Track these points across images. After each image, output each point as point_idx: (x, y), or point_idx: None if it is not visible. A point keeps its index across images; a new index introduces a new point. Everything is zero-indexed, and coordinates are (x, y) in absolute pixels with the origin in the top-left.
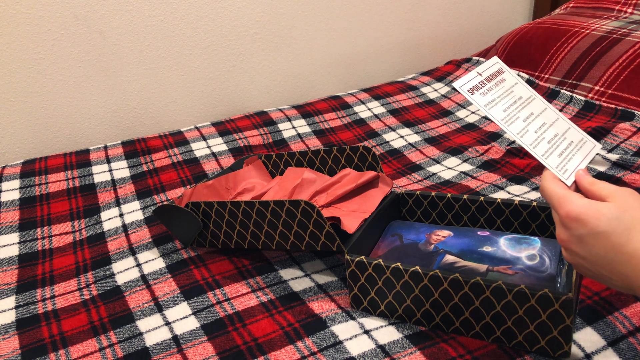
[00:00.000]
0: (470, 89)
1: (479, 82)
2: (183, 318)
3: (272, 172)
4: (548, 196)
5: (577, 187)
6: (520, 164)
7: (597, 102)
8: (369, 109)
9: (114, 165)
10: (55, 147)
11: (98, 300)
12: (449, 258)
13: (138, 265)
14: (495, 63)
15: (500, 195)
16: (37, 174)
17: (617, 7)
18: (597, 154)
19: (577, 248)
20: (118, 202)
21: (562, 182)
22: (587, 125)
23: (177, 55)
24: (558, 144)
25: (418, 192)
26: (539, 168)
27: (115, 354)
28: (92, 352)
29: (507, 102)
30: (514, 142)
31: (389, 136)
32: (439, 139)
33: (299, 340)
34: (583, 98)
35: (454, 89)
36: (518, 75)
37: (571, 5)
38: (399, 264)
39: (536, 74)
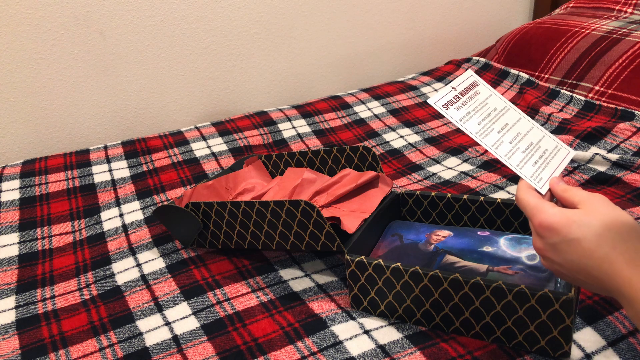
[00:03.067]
0: (445, 104)
1: (453, 97)
2: (183, 318)
3: (272, 172)
4: (522, 206)
5: (552, 195)
6: None
7: (597, 102)
8: (369, 109)
9: (114, 165)
10: (55, 147)
11: (98, 300)
12: (449, 258)
13: (138, 265)
14: (469, 77)
15: (500, 195)
16: (37, 174)
17: (617, 7)
18: (597, 154)
19: (553, 255)
20: (118, 202)
21: (537, 191)
22: (587, 125)
23: (177, 55)
24: (532, 153)
25: (418, 192)
26: None
27: (115, 354)
28: (92, 352)
29: (481, 115)
30: None
31: (389, 136)
32: (439, 139)
33: (299, 340)
34: (583, 98)
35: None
36: (518, 75)
37: (571, 5)
38: (399, 264)
39: (536, 73)
